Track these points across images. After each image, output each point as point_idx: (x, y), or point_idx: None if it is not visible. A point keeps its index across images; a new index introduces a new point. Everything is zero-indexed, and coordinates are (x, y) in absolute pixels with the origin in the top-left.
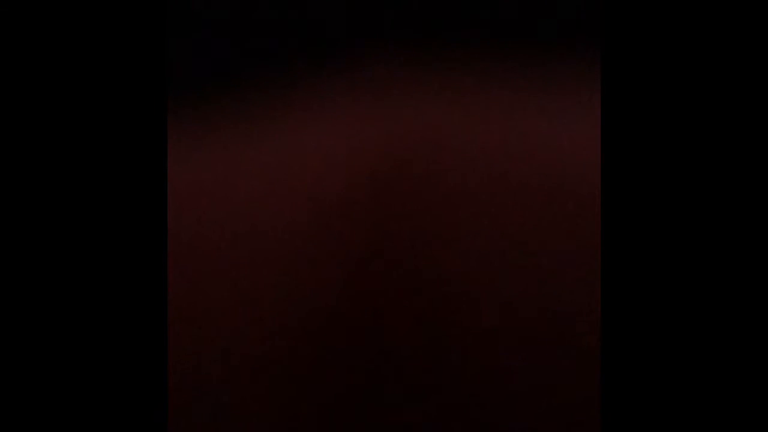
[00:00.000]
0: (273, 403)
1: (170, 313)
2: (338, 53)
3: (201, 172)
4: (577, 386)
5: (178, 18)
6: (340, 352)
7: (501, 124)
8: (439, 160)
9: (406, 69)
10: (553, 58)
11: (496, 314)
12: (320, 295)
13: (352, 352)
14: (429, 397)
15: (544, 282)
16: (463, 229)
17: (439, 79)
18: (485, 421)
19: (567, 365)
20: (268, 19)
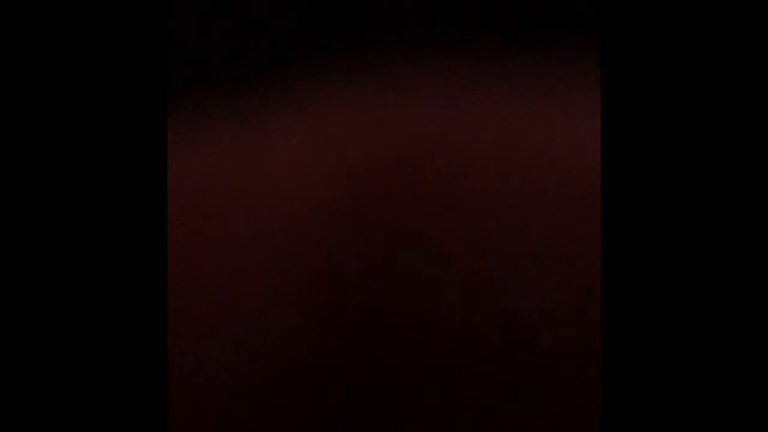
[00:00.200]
0: (273, 402)
1: (170, 313)
2: (338, 53)
3: (201, 171)
4: (577, 386)
5: (178, 18)
6: (340, 351)
7: (501, 123)
8: (438, 159)
9: (406, 68)
10: (553, 58)
11: (495, 314)
12: (320, 294)
13: (352, 352)
14: (428, 397)
15: (544, 282)
16: (463, 229)
17: (439, 78)
18: (485, 421)
19: (567, 365)
20: (268, 19)
